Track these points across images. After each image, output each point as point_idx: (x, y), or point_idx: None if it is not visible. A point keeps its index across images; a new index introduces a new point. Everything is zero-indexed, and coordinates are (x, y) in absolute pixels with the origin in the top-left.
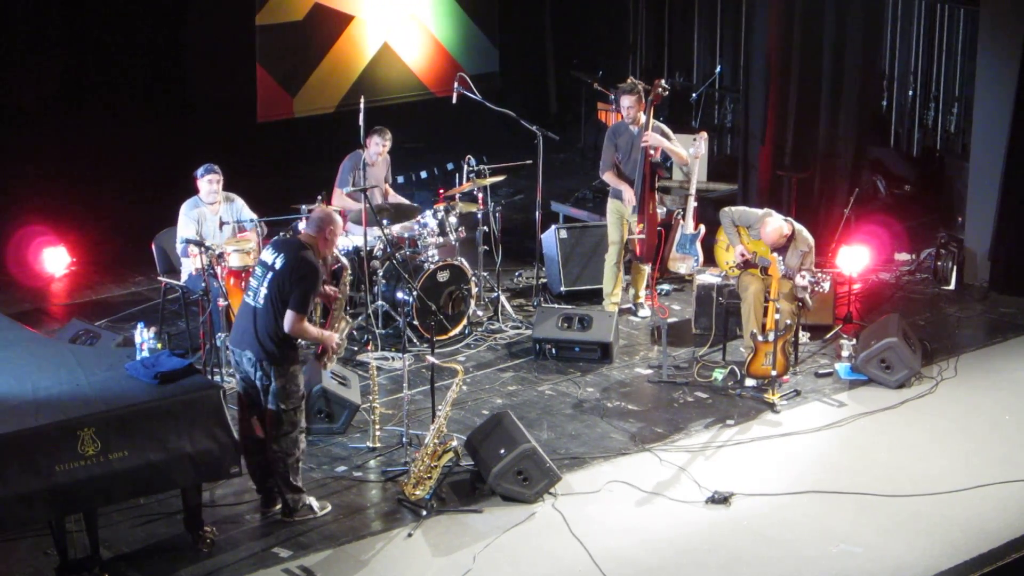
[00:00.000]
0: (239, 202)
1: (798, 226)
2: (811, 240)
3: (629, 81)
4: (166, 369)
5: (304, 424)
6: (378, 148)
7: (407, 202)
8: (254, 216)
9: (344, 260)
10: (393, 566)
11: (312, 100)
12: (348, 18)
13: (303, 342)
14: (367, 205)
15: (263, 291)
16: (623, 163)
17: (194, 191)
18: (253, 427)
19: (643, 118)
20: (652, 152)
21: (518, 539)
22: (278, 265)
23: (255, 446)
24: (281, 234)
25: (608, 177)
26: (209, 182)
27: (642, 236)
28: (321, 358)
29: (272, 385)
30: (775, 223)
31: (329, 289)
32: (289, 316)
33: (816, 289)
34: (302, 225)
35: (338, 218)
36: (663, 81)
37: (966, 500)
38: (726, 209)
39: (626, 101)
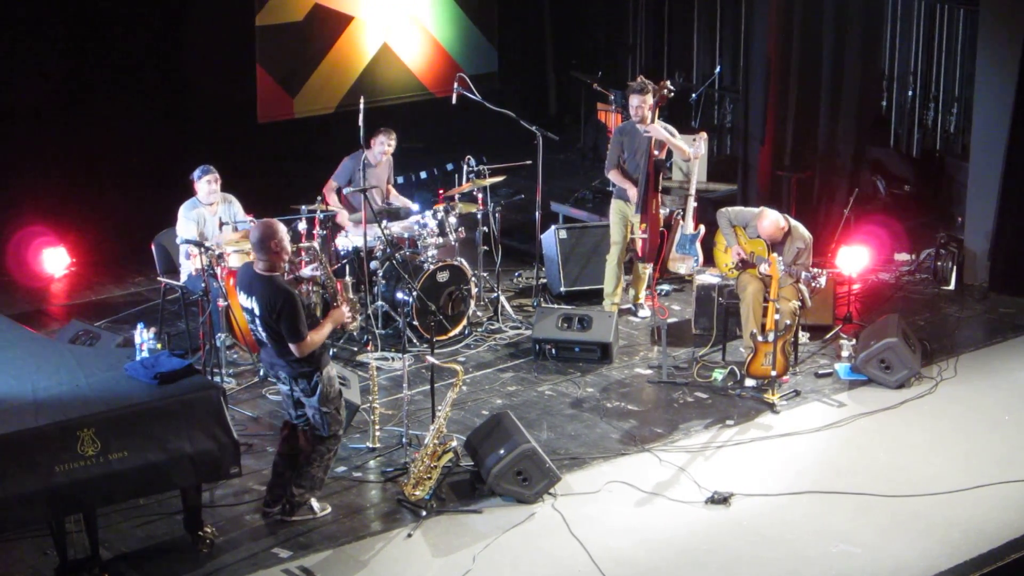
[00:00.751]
0: (236, 204)
1: (794, 222)
2: (808, 236)
3: (640, 80)
4: (166, 369)
5: (343, 418)
6: (383, 148)
7: (408, 203)
8: (249, 218)
9: (307, 243)
10: (393, 566)
11: (312, 101)
12: (348, 19)
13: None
14: (367, 206)
15: (261, 331)
16: (627, 163)
17: (193, 192)
18: (297, 435)
19: (650, 118)
20: (656, 152)
21: (518, 539)
22: (257, 310)
23: (294, 440)
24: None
25: (614, 176)
26: (208, 183)
27: (645, 236)
28: (345, 329)
29: (314, 394)
30: (772, 216)
31: (307, 273)
32: (292, 347)
33: (813, 285)
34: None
35: (276, 225)
36: (668, 82)
37: (965, 500)
38: (723, 210)
39: (635, 100)
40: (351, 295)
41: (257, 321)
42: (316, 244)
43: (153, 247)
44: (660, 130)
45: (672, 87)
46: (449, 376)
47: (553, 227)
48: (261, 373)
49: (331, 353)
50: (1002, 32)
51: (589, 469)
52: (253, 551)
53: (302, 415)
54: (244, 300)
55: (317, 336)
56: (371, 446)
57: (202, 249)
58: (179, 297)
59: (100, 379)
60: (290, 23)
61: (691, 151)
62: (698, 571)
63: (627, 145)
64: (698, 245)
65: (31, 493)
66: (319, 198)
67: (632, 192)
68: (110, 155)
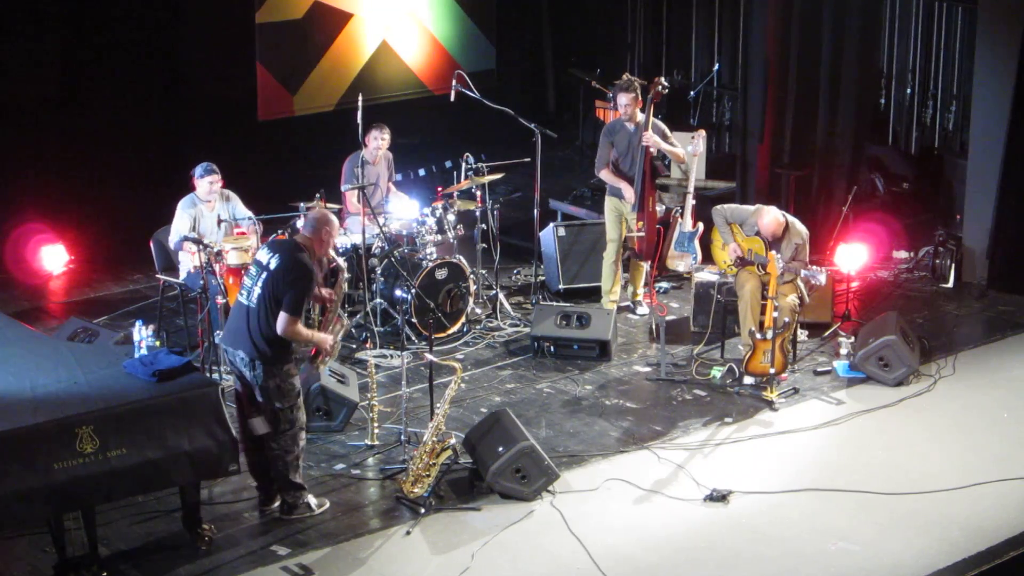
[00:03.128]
0: (235, 200)
1: (791, 218)
2: (805, 232)
3: (625, 78)
4: (164, 367)
5: (304, 420)
6: (377, 143)
7: (407, 199)
8: (249, 214)
9: (341, 261)
10: (391, 564)
11: (312, 98)
12: (347, 16)
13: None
14: (366, 203)
15: (257, 291)
16: (621, 161)
17: (191, 189)
18: (252, 425)
19: (640, 116)
20: (652, 150)
21: (516, 537)
22: (272, 265)
23: (254, 444)
24: (278, 234)
25: (605, 175)
26: (210, 183)
27: (642, 234)
28: (315, 360)
29: (267, 384)
30: (772, 213)
31: (324, 292)
32: (282, 318)
33: (813, 283)
34: (300, 223)
35: (334, 219)
36: (663, 79)
37: (964, 498)
38: (718, 207)
39: (623, 99)
40: (340, 338)
41: (263, 276)
42: (344, 263)
43: (152, 244)
44: (655, 138)
45: (666, 83)
46: (448, 373)
47: (552, 224)
48: None
49: None
50: (1001, 29)
51: (588, 467)
52: (252, 548)
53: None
54: (262, 255)
55: (304, 330)
56: (370, 443)
57: (200, 246)
58: (178, 294)
59: (99, 376)
60: (290, 20)
61: (688, 151)
62: (697, 569)
63: (618, 144)
64: (696, 243)
65: (30, 490)
66: (317, 195)
67: (628, 191)
68: (109, 152)
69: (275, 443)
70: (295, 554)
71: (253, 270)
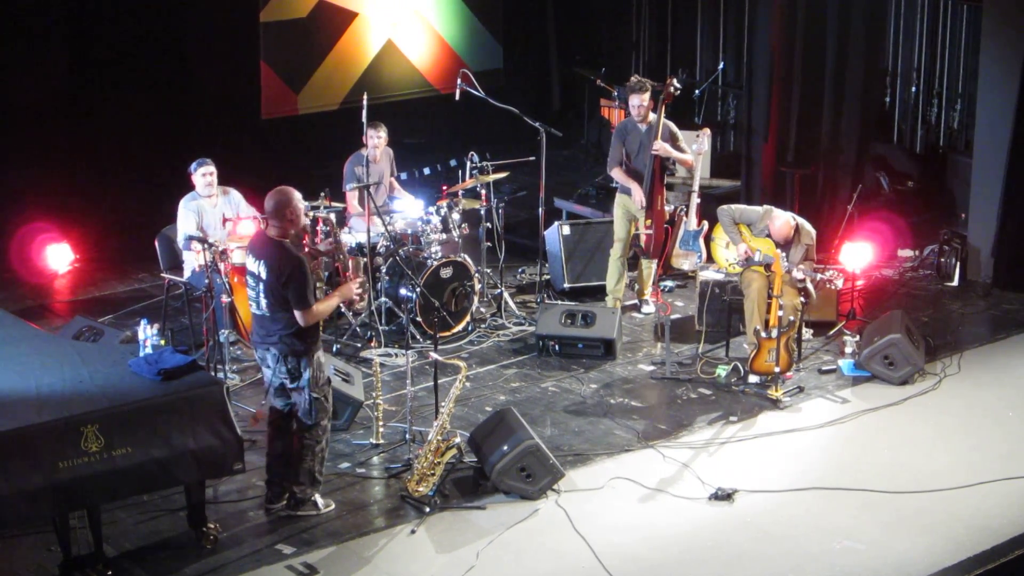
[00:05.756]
0: (236, 194)
1: (800, 220)
2: (813, 233)
3: (636, 79)
4: (169, 366)
5: (330, 407)
6: (374, 142)
7: (411, 197)
8: (253, 210)
9: (318, 214)
10: (396, 563)
11: (316, 97)
12: (352, 15)
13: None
14: (371, 201)
15: (263, 300)
16: (633, 160)
17: (191, 187)
18: (283, 420)
19: (653, 116)
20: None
21: (521, 535)
22: (264, 275)
23: (281, 434)
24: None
25: (616, 174)
26: (203, 175)
27: (650, 231)
28: (352, 307)
29: (301, 376)
30: (783, 216)
31: (323, 247)
32: (298, 315)
33: (828, 286)
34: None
35: (289, 192)
36: (675, 80)
37: (969, 497)
38: (725, 207)
39: (635, 99)
40: (361, 275)
41: (261, 287)
42: (332, 216)
43: (156, 243)
44: (667, 148)
45: (679, 85)
46: (453, 372)
47: (556, 223)
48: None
49: (335, 349)
50: (1005, 28)
51: (593, 465)
52: (256, 547)
53: (288, 403)
54: (252, 264)
55: (323, 307)
56: (375, 442)
57: (205, 245)
58: (183, 293)
59: (104, 375)
60: (294, 19)
61: (693, 150)
62: (701, 567)
63: (629, 144)
64: (701, 241)
65: (35, 489)
66: (322, 194)
67: (637, 192)
68: (114, 151)
69: (308, 434)
70: (300, 553)
71: (250, 280)
